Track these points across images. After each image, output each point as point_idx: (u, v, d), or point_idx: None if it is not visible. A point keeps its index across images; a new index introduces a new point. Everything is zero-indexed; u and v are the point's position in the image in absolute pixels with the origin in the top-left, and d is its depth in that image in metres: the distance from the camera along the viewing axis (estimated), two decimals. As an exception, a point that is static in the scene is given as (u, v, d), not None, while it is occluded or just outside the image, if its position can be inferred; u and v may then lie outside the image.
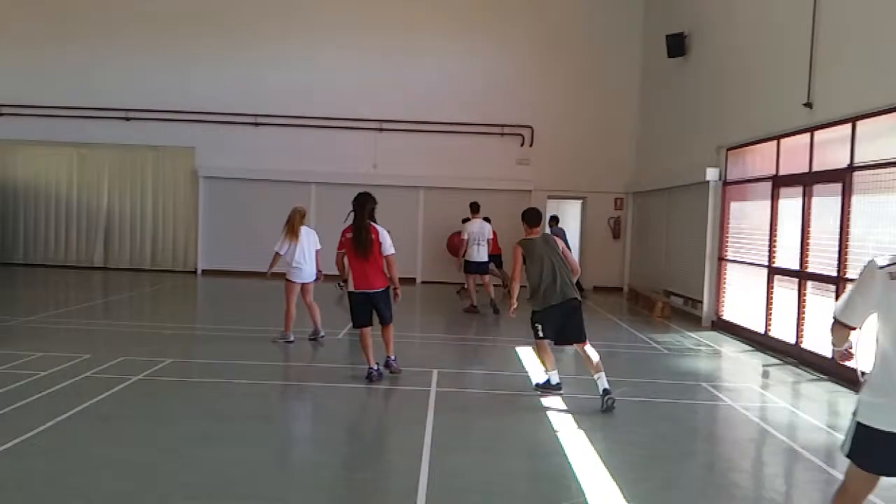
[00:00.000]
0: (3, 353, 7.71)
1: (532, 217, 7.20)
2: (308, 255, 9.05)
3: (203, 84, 17.27)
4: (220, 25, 17.27)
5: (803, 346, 9.09)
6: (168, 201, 17.78)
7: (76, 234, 17.85)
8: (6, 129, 17.51)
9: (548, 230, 12.99)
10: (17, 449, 4.94)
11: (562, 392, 6.96)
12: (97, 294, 14.35)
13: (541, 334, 6.92)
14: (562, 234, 14.40)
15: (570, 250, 13.12)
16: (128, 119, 17.41)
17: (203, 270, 17.54)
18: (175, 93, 17.23)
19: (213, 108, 17.22)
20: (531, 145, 17.38)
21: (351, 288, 7.37)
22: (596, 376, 6.60)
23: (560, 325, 6.88)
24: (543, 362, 7.12)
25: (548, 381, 7.06)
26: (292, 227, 9.02)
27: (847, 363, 3.54)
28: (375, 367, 7.33)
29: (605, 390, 6.52)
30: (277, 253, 9.07)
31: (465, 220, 13.56)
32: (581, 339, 6.89)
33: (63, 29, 17.39)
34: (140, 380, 6.96)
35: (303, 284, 9.14)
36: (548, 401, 6.80)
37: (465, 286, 13.39)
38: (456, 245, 14.83)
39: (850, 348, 3.46)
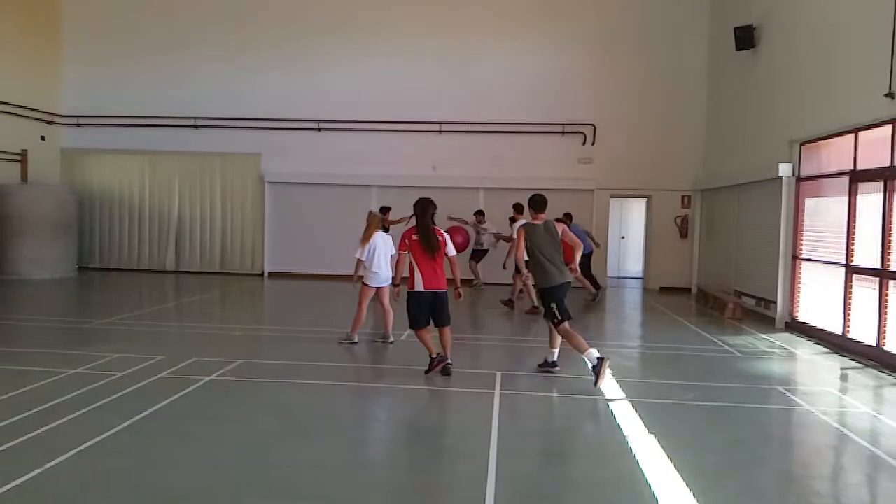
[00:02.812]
0: (83, 355, 8.03)
1: (538, 203, 7.83)
2: (384, 259, 9.18)
3: (267, 92, 17.67)
4: (281, 35, 17.65)
5: (885, 347, 8.69)
6: (235, 206, 18.27)
7: (149, 239, 18.53)
8: (83, 139, 18.34)
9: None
10: (97, 447, 5.11)
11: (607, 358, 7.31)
12: (169, 297, 14.82)
13: (559, 316, 7.43)
14: (580, 232, 14.39)
15: (595, 242, 14.53)
16: (196, 127, 17.95)
17: (269, 273, 17.93)
18: (241, 101, 17.72)
19: (278, 114, 17.61)
20: (593, 143, 17.13)
21: (419, 288, 7.50)
22: (556, 351, 7.81)
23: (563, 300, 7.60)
24: (578, 347, 7.35)
25: (593, 366, 7.16)
26: (369, 233, 9.14)
27: None
28: (439, 354, 7.58)
29: (553, 362, 7.79)
30: (360, 259, 9.20)
31: (512, 220, 13.82)
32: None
33: (134, 43, 18.12)
34: (212, 380, 7.14)
35: (378, 288, 9.27)
36: (616, 405, 6.67)
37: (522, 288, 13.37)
38: (459, 241, 14.86)
39: None
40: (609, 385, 7.25)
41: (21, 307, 12.45)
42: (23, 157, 16.97)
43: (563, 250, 7.74)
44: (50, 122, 18.03)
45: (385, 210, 14.70)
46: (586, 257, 14.42)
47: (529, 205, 7.89)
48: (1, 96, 16.16)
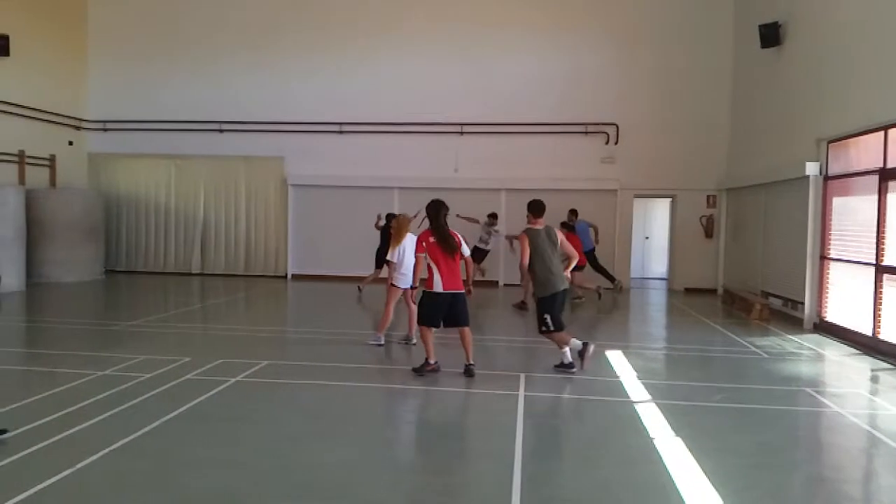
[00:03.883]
0: (111, 356, 8.15)
1: (537, 208, 7.86)
2: (413, 262, 9.21)
3: (290, 95, 17.81)
4: (305, 39, 17.77)
5: (918, 349, 8.54)
6: (259, 209, 18.41)
7: (174, 241, 18.73)
8: (110, 144, 18.63)
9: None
10: (126, 448, 5.18)
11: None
12: (195, 299, 14.97)
13: (552, 327, 7.61)
14: (584, 228, 14.50)
15: (596, 238, 14.46)
16: (221, 131, 18.13)
17: (293, 275, 18.05)
18: (265, 105, 17.87)
19: (300, 118, 17.73)
20: (616, 143, 17.02)
21: (439, 289, 7.57)
22: (567, 349, 7.76)
23: (558, 312, 7.75)
24: (565, 344, 7.71)
25: (579, 352, 7.62)
26: (400, 236, 9.19)
27: None
28: (437, 362, 7.71)
29: (570, 363, 7.71)
30: (393, 262, 9.26)
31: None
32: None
33: (159, 49, 18.37)
34: (238, 381, 7.21)
35: (405, 290, 9.33)
36: (642, 407, 6.62)
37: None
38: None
39: None
40: (635, 387, 7.22)
41: (51, 310, 12.65)
42: (51, 162, 17.25)
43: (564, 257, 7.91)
44: (77, 128, 18.32)
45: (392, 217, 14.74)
46: (589, 253, 14.45)
47: (529, 210, 7.90)
48: (30, 103, 16.44)
